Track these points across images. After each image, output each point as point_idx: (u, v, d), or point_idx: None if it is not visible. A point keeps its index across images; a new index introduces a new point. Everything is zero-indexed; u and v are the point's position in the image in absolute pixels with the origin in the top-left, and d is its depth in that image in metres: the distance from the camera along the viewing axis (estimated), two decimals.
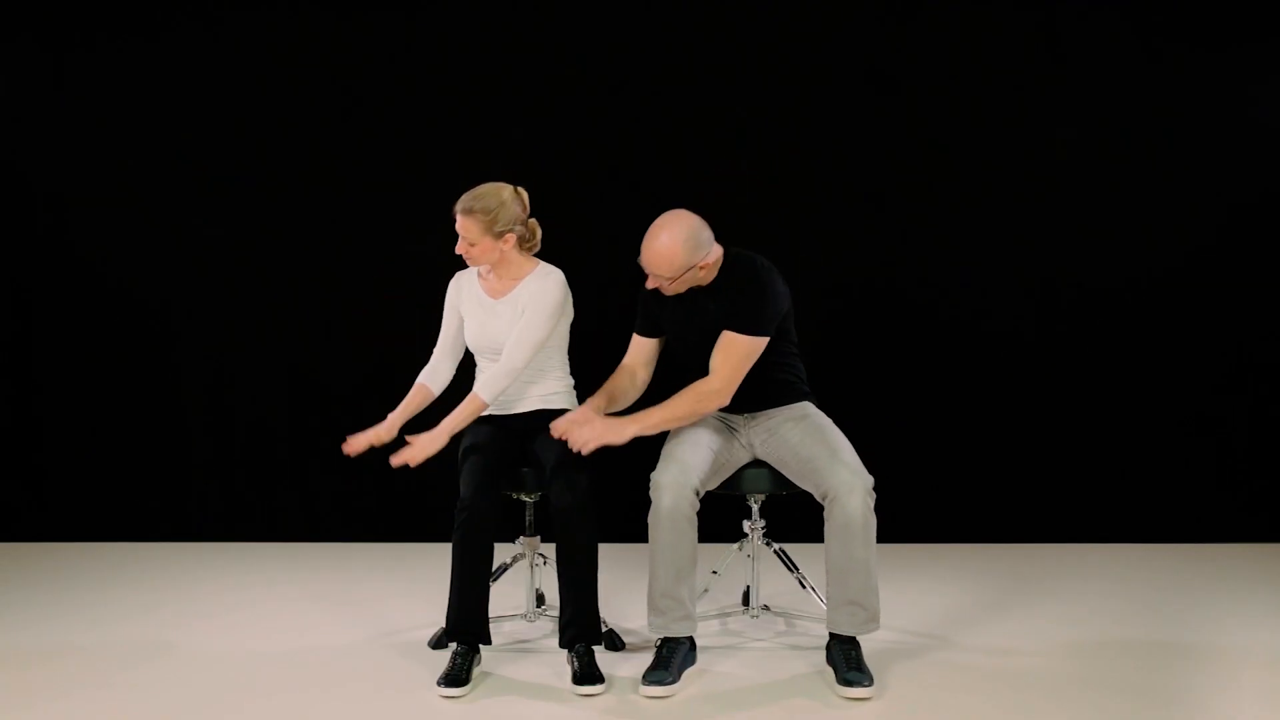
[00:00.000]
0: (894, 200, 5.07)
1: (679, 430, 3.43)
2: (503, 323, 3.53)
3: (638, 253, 3.34)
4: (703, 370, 3.38)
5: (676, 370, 3.54)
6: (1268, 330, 5.05)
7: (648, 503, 3.28)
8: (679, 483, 3.23)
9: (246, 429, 5.18)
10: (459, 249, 3.51)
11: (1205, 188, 5.03)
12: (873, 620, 3.27)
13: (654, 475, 3.28)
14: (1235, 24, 5.00)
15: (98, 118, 5.12)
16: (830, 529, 3.25)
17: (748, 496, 3.63)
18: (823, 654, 3.36)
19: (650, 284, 3.39)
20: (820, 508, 3.31)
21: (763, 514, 3.69)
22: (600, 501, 3.30)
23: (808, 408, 3.51)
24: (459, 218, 3.47)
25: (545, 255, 3.64)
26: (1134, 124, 5.02)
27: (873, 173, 5.04)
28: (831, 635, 3.28)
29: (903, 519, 4.53)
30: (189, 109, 5.10)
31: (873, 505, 3.22)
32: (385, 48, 5.09)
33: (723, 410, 3.48)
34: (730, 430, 3.51)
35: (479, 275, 3.62)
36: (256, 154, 5.11)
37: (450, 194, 5.03)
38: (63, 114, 5.12)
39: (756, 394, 3.47)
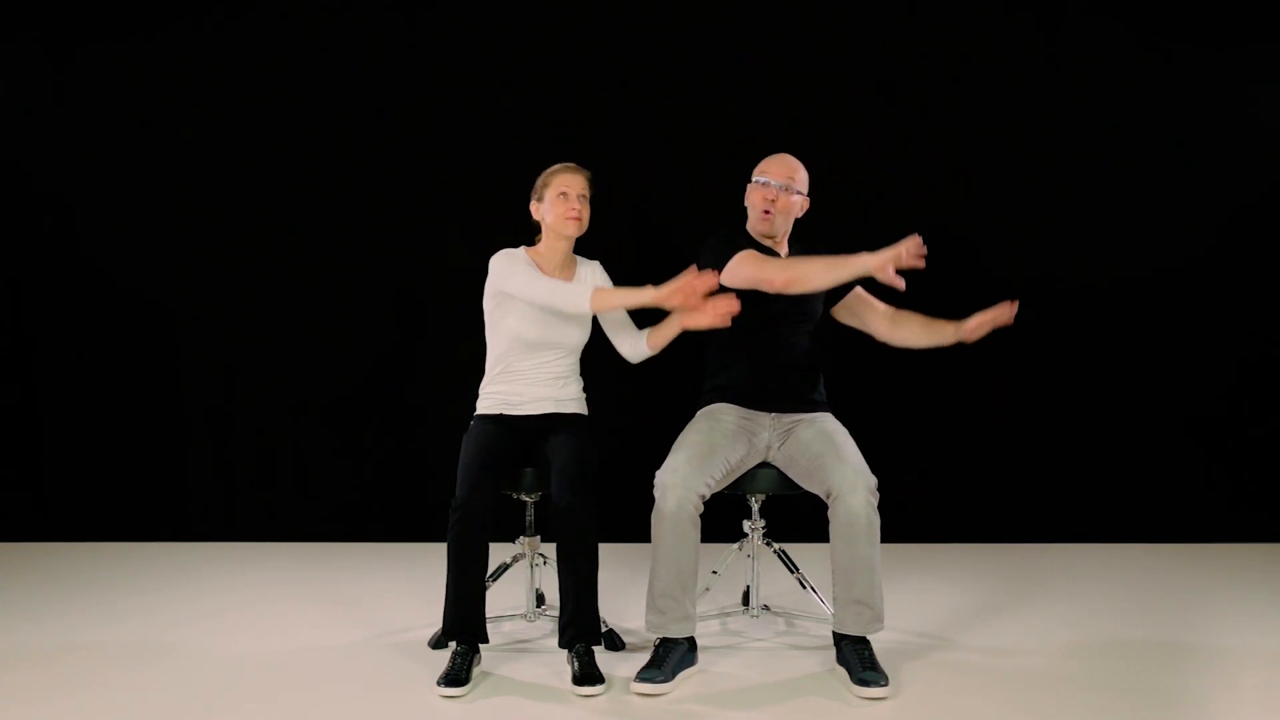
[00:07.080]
0: (892, 200, 5.07)
1: (692, 432, 3.42)
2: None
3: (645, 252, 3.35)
4: (760, 335, 3.50)
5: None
6: (1268, 330, 5.06)
7: (649, 502, 3.28)
8: (685, 485, 3.22)
9: (247, 429, 5.17)
10: (574, 210, 3.45)
11: (1205, 188, 5.04)
12: (877, 620, 3.27)
13: (659, 475, 3.27)
14: (1235, 24, 5.00)
15: (100, 118, 5.11)
16: (835, 528, 3.26)
17: (748, 496, 3.63)
18: (822, 653, 3.36)
19: (759, 196, 3.53)
20: (823, 508, 3.32)
21: (763, 514, 3.69)
22: (601, 501, 3.29)
23: (828, 417, 3.56)
24: (577, 174, 3.46)
25: None
26: (1134, 124, 5.03)
27: (871, 172, 5.04)
28: (840, 635, 3.28)
29: (903, 519, 4.54)
30: (191, 109, 5.10)
31: (875, 505, 3.23)
32: (389, 49, 5.08)
33: (750, 408, 3.50)
34: (751, 432, 3.49)
35: (530, 262, 3.47)
36: (257, 155, 5.11)
37: (453, 196, 5.09)
38: (65, 114, 5.12)
39: (789, 395, 3.52)
